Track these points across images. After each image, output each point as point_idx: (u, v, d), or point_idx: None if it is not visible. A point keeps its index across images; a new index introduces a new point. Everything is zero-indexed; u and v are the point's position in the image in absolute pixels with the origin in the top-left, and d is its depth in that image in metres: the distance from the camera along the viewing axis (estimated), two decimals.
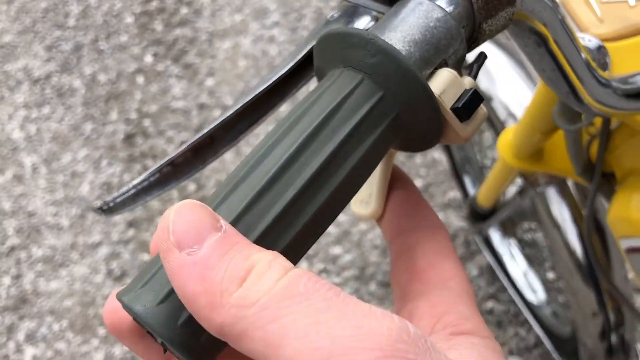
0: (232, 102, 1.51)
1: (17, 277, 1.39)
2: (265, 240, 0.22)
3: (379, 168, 0.29)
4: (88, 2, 1.73)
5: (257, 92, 0.29)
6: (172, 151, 0.32)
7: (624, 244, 0.56)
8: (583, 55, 0.34)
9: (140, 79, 1.58)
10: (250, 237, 0.22)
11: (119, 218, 1.41)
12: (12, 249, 1.42)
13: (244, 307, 0.19)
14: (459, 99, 0.25)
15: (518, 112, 0.78)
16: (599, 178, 0.52)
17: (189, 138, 0.37)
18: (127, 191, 0.30)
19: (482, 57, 0.27)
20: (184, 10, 1.66)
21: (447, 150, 1.14)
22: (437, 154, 1.33)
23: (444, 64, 0.25)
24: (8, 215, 1.46)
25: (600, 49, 0.42)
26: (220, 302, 0.19)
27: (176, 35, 1.63)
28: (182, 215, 0.20)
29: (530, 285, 1.04)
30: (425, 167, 1.33)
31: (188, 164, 0.30)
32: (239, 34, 1.63)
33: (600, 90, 0.37)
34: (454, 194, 1.29)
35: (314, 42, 0.30)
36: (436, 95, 0.25)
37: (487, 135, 1.27)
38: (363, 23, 0.29)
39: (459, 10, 0.26)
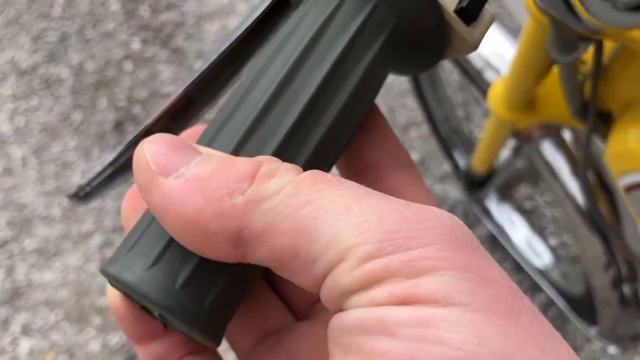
0: None
1: (10, 270, 1.36)
2: None
3: None
4: None
5: (234, 37, 0.25)
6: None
7: (623, 182, 0.53)
8: None
9: (128, 66, 1.55)
10: None
11: (111, 206, 1.38)
12: (4, 242, 1.40)
13: (264, 200, 0.16)
14: None
15: (499, 65, 0.75)
16: (595, 107, 0.49)
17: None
18: (103, 170, 0.25)
19: None
20: None
21: (433, 125, 1.11)
22: None
23: None
24: None
25: None
26: (232, 203, 0.16)
27: (163, 20, 1.61)
28: (158, 144, 0.17)
29: (534, 250, 1.02)
30: (421, 139, 1.30)
31: (167, 131, 0.26)
32: (226, 15, 1.60)
33: (598, 2, 0.34)
34: None
35: None
36: None
37: (476, 109, 1.25)
38: None
39: None
